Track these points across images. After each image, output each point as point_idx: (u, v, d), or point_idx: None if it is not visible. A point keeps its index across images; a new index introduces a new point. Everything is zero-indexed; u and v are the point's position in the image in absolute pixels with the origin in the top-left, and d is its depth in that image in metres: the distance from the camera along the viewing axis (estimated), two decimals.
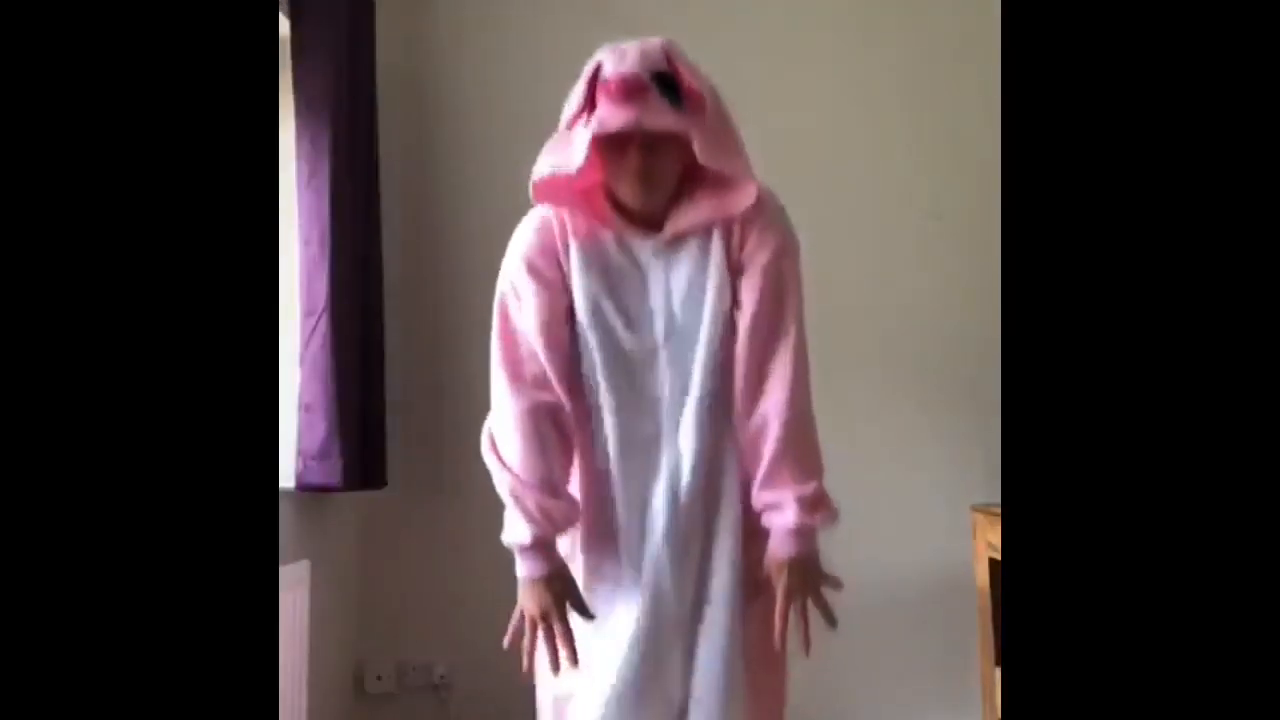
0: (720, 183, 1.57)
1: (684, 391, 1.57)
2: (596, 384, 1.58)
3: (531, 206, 1.65)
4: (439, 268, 2.93)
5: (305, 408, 2.44)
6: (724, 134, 1.57)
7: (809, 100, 2.96)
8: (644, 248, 1.60)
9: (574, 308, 1.59)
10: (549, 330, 1.58)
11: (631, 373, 1.58)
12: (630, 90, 1.49)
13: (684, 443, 1.56)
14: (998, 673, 2.54)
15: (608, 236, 1.60)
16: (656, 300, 1.60)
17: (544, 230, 1.61)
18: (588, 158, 1.51)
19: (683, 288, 1.59)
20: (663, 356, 1.59)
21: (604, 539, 1.60)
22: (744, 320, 1.57)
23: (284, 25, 2.45)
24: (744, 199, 1.57)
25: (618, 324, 1.58)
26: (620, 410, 1.57)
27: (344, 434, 2.44)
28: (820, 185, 2.85)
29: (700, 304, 1.57)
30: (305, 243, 2.46)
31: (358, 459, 2.51)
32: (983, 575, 2.63)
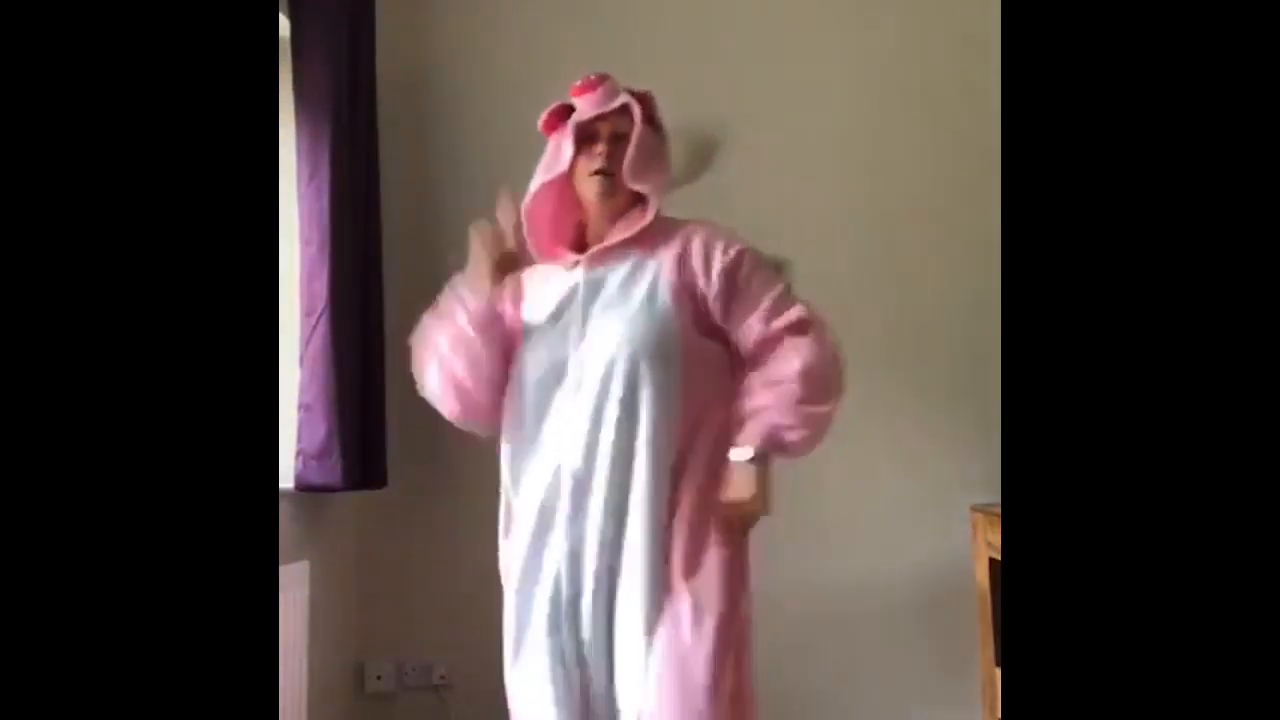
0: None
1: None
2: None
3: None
4: (439, 268, 2.92)
5: (305, 408, 2.43)
6: (657, 157, 1.71)
7: (808, 99, 2.95)
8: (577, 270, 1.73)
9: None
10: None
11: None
12: (601, 83, 1.67)
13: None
14: (998, 673, 2.54)
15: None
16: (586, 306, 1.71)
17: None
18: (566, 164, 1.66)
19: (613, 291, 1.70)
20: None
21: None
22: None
23: (284, 25, 2.44)
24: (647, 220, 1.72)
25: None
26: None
27: (344, 434, 2.44)
28: (819, 184, 2.85)
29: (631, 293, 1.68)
30: (305, 243, 2.46)
31: (358, 459, 2.51)
32: (983, 575, 2.63)
